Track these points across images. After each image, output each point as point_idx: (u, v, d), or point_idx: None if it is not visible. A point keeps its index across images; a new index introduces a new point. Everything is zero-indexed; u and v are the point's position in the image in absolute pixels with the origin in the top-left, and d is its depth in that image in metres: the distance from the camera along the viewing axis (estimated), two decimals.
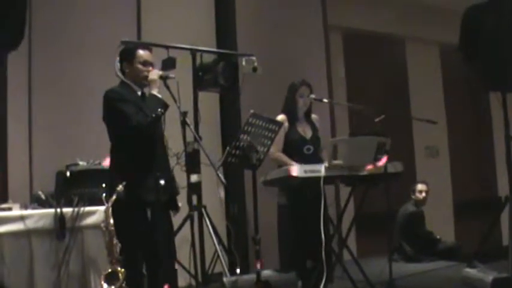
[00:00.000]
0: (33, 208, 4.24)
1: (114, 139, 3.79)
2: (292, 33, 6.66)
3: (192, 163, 4.31)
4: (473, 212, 8.41)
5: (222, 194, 5.19)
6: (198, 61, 4.63)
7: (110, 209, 3.54)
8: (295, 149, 4.79)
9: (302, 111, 4.91)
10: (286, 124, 4.82)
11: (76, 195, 4.27)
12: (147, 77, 3.80)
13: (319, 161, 4.65)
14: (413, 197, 7.17)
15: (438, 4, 8.10)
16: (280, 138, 4.68)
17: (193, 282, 4.48)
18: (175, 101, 3.80)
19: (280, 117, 4.77)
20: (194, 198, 4.34)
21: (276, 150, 4.71)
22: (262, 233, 3.83)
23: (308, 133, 4.91)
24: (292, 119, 4.87)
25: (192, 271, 4.32)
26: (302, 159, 4.63)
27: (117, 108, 3.69)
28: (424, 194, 7.16)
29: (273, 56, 5.96)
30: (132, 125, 3.62)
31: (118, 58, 3.92)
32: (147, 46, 4.01)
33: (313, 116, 5.02)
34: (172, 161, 4.14)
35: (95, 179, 4.30)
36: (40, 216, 4.11)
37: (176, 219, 4.12)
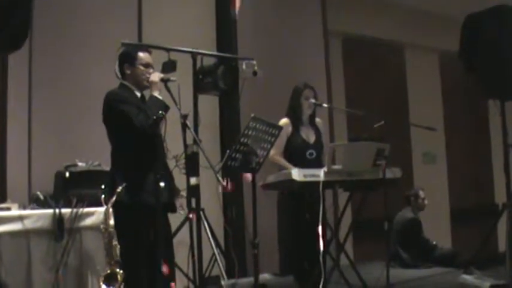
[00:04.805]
0: (32, 208, 4.22)
1: (114, 141, 3.80)
2: (292, 38, 6.67)
3: (191, 166, 4.30)
4: (470, 219, 8.43)
5: (221, 197, 5.19)
6: (198, 64, 4.63)
7: (110, 210, 3.54)
8: (298, 154, 4.79)
9: (307, 114, 4.91)
10: (289, 128, 4.82)
11: (75, 196, 4.27)
12: (148, 78, 3.81)
13: (321, 166, 4.59)
14: (414, 203, 7.15)
15: (438, 11, 8.13)
16: (281, 141, 4.68)
17: (191, 286, 4.47)
18: (175, 103, 3.80)
19: (284, 121, 4.77)
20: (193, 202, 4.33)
21: (275, 153, 4.72)
22: (260, 236, 3.83)
23: (311, 138, 4.90)
24: (296, 122, 4.87)
25: (190, 274, 4.31)
26: (304, 164, 4.63)
27: (118, 110, 3.70)
28: (426, 201, 7.15)
29: (273, 61, 5.95)
30: (133, 126, 3.62)
31: (118, 60, 3.93)
32: (146, 48, 4.02)
33: (317, 120, 5.01)
34: (171, 164, 4.14)
35: (93, 180, 4.29)
36: (39, 216, 4.09)
37: (174, 222, 4.12)
